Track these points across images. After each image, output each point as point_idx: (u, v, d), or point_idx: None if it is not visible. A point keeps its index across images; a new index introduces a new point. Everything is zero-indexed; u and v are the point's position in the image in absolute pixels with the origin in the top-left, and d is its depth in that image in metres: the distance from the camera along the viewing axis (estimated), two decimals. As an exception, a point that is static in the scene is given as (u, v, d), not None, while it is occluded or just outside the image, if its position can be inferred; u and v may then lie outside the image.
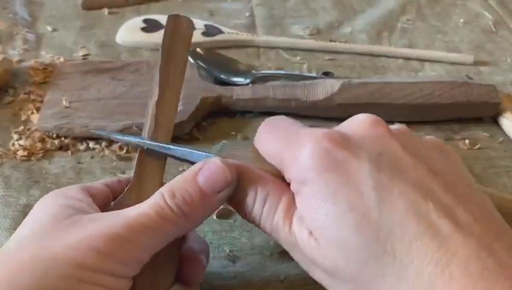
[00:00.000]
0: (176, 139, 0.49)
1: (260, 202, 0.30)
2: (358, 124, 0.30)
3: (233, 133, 0.51)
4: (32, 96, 0.53)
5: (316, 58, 0.61)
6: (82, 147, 0.48)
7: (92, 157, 0.48)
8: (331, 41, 0.63)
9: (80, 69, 0.55)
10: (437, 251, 0.24)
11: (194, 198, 0.29)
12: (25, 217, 0.41)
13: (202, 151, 0.33)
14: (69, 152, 0.48)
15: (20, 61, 0.58)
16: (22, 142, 0.48)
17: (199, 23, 0.63)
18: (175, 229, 0.29)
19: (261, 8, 0.69)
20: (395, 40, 0.65)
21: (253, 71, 0.57)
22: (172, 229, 0.29)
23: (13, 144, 0.48)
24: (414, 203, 0.26)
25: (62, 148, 0.48)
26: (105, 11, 0.66)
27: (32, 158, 0.47)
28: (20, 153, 0.47)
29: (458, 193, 0.27)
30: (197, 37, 0.61)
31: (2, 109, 0.52)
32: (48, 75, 0.55)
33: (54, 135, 0.48)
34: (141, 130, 0.47)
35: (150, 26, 0.62)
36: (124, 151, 0.48)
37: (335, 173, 0.27)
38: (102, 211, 0.30)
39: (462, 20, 0.68)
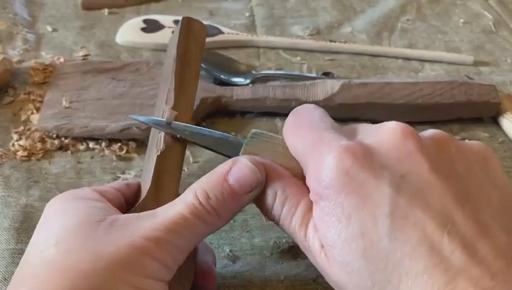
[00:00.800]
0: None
1: (280, 203, 0.30)
2: (386, 134, 0.28)
3: (233, 133, 0.51)
4: (32, 97, 0.53)
5: (316, 58, 0.61)
6: (82, 147, 0.48)
7: (92, 157, 0.48)
8: (331, 41, 0.63)
9: (80, 69, 0.55)
10: (444, 286, 0.23)
11: (226, 198, 0.29)
12: (24, 217, 0.41)
13: (231, 139, 0.34)
14: (69, 152, 0.48)
15: (20, 61, 0.58)
16: (22, 142, 0.48)
17: (199, 23, 0.63)
18: (208, 228, 0.30)
19: (261, 8, 0.69)
20: (395, 40, 0.65)
21: (253, 71, 0.57)
22: (206, 228, 0.30)
23: (13, 144, 0.48)
24: (428, 235, 0.24)
25: (62, 148, 0.48)
26: (105, 11, 0.66)
27: (32, 158, 0.47)
28: (20, 153, 0.47)
29: (484, 221, 0.25)
30: (197, 37, 0.61)
31: (2, 109, 0.52)
32: (48, 75, 0.55)
33: (54, 135, 0.48)
34: (141, 130, 0.47)
35: (150, 26, 0.62)
36: (124, 151, 0.48)
37: (352, 195, 0.26)
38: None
39: (462, 20, 0.68)
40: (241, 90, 0.52)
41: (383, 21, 0.68)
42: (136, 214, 0.29)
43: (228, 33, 0.63)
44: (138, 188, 0.35)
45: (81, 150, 0.48)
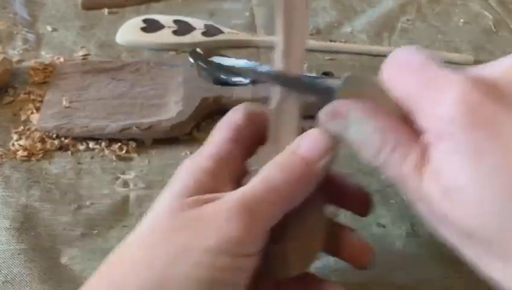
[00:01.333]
0: (175, 140, 0.49)
1: (390, 147, 0.27)
2: (510, 63, 0.26)
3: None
4: (32, 96, 0.53)
5: (316, 58, 0.61)
6: (82, 147, 0.48)
7: (92, 157, 0.48)
8: (331, 41, 0.63)
9: (80, 69, 0.55)
10: None
11: (297, 168, 0.29)
12: (25, 217, 0.41)
13: (326, 84, 0.32)
14: (69, 152, 0.48)
15: (20, 61, 0.57)
16: (22, 142, 0.48)
17: (199, 23, 0.63)
18: (283, 201, 0.29)
19: (261, 8, 0.69)
20: (395, 40, 0.65)
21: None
22: (280, 200, 0.29)
23: (13, 144, 0.48)
24: None
25: (62, 148, 0.48)
26: (105, 11, 0.66)
27: (32, 158, 0.47)
28: (20, 153, 0.47)
29: None
30: (197, 37, 0.61)
31: (2, 109, 0.52)
32: (48, 75, 0.55)
33: (54, 135, 0.48)
34: (141, 130, 0.47)
35: (150, 26, 0.62)
36: (124, 151, 0.48)
37: (482, 131, 0.24)
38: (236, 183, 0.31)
39: (462, 20, 0.68)
40: (241, 90, 0.52)
41: (383, 21, 0.68)
42: (228, 193, 0.29)
43: (228, 33, 0.63)
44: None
45: (81, 150, 0.48)
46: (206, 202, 0.29)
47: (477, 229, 0.24)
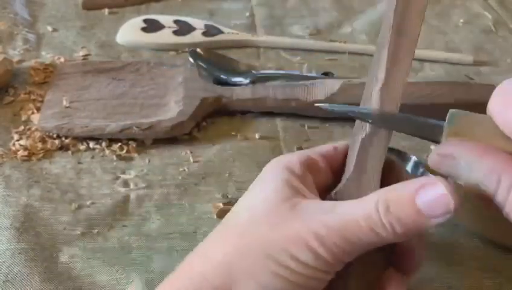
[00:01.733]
0: (175, 140, 0.49)
1: (505, 190, 0.27)
2: None
3: (233, 133, 0.51)
4: (32, 96, 0.53)
5: (316, 58, 0.61)
6: (82, 147, 0.48)
7: (92, 157, 0.48)
8: (331, 41, 0.63)
9: (80, 69, 0.55)
10: None
11: (408, 219, 0.27)
12: (25, 217, 0.41)
13: (432, 122, 0.31)
14: (70, 152, 0.48)
15: (21, 61, 0.58)
16: (22, 142, 0.48)
17: (199, 23, 0.63)
18: (380, 240, 0.28)
19: (261, 8, 0.69)
20: (395, 40, 0.65)
21: (253, 71, 0.57)
22: (378, 241, 0.28)
23: (14, 144, 0.48)
24: None
25: (62, 148, 0.48)
26: (106, 11, 0.67)
27: (33, 158, 0.47)
28: (21, 153, 0.47)
29: None
30: (197, 37, 0.62)
31: (2, 109, 0.52)
32: (48, 75, 0.55)
33: (55, 135, 0.48)
34: (141, 130, 0.48)
35: (150, 26, 0.62)
36: (124, 151, 0.48)
37: None
38: (320, 193, 0.32)
39: (462, 20, 0.68)
40: (241, 90, 0.52)
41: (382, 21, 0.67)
42: (318, 202, 0.30)
43: (228, 33, 0.63)
44: (345, 152, 0.34)
45: (82, 150, 0.48)
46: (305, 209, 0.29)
47: None
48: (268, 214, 0.29)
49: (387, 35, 0.33)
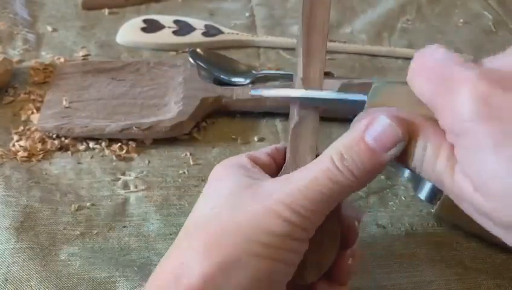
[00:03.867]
0: (175, 140, 0.49)
1: (420, 150, 0.28)
2: None
3: (234, 136, 0.51)
4: (32, 97, 0.53)
5: (316, 58, 0.61)
6: (82, 147, 0.48)
7: (92, 157, 0.48)
8: (331, 41, 0.63)
9: (80, 69, 0.55)
10: None
11: (363, 158, 0.28)
12: (25, 218, 0.41)
13: (353, 98, 0.33)
14: (69, 152, 0.48)
15: (21, 61, 0.58)
16: (22, 143, 0.48)
17: (199, 24, 0.63)
18: (345, 190, 0.29)
19: (261, 8, 0.69)
20: (395, 40, 0.65)
21: (253, 71, 0.57)
22: (343, 191, 0.29)
23: (13, 145, 0.48)
24: None
25: (62, 148, 0.48)
26: (106, 11, 0.66)
27: (33, 159, 0.47)
28: (21, 153, 0.47)
29: None
30: (197, 37, 0.61)
31: (2, 109, 0.52)
32: (48, 75, 0.55)
33: (54, 135, 0.48)
34: (141, 130, 0.47)
35: (150, 26, 0.62)
36: (124, 151, 0.48)
37: (496, 122, 0.24)
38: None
39: (462, 20, 0.68)
40: (241, 90, 0.52)
41: (383, 21, 0.68)
42: (275, 178, 0.31)
43: (228, 33, 0.63)
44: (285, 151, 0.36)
45: (81, 150, 0.48)
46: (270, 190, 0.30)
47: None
48: (233, 205, 0.30)
49: (300, 32, 0.36)
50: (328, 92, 0.34)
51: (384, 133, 0.28)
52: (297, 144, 0.34)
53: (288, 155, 0.34)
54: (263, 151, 0.35)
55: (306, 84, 0.34)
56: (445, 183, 0.27)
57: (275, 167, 0.35)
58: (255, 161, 0.34)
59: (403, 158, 0.29)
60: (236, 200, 0.30)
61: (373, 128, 0.29)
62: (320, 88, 0.35)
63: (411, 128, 0.28)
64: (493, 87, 0.24)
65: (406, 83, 0.29)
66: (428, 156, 0.28)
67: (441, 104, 0.27)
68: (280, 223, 0.28)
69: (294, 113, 0.35)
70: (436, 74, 0.27)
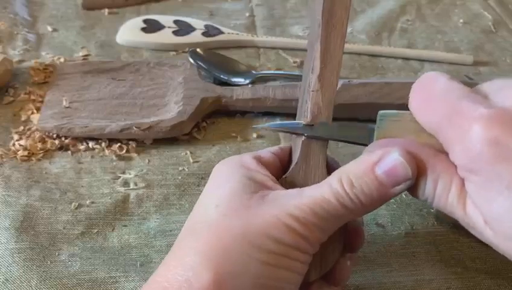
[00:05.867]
0: (175, 140, 0.49)
1: (432, 183, 0.29)
2: None
3: (233, 134, 0.51)
4: (32, 97, 0.53)
5: (316, 58, 0.61)
6: (82, 147, 0.48)
7: (92, 157, 0.48)
8: (330, 41, 0.63)
9: (80, 69, 0.55)
10: None
11: (372, 189, 0.29)
12: (24, 217, 0.41)
13: (361, 126, 0.33)
14: (69, 152, 0.48)
15: (21, 61, 0.58)
16: (22, 142, 0.48)
17: (199, 24, 0.63)
18: (351, 215, 0.30)
19: (261, 8, 0.69)
20: (394, 40, 0.65)
21: (253, 71, 0.57)
22: (349, 215, 0.30)
23: (13, 144, 0.48)
24: None
25: (62, 148, 0.48)
26: (106, 11, 0.67)
27: (33, 158, 0.47)
28: (21, 153, 0.47)
29: None
30: (197, 37, 0.62)
31: (2, 109, 0.52)
32: (48, 75, 0.55)
33: (54, 135, 0.48)
34: (141, 130, 0.47)
35: (150, 26, 0.62)
36: (124, 151, 0.48)
37: (508, 163, 0.25)
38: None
39: (461, 20, 0.68)
40: (241, 90, 0.52)
41: (382, 21, 0.68)
42: (285, 191, 0.31)
43: (228, 33, 0.63)
44: (290, 150, 0.37)
45: (81, 150, 0.48)
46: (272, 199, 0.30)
47: None
48: (239, 208, 0.30)
49: (318, 30, 0.35)
50: (332, 131, 0.34)
51: (394, 169, 0.29)
52: (307, 153, 0.34)
53: (296, 161, 0.34)
54: (267, 150, 0.36)
55: (313, 119, 0.34)
56: (458, 215, 0.28)
57: (280, 166, 0.35)
58: (259, 160, 0.34)
59: (415, 191, 0.30)
60: (243, 203, 0.30)
61: (384, 163, 0.29)
62: (329, 118, 0.35)
63: (422, 162, 0.29)
64: (505, 129, 0.25)
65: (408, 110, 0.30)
66: (439, 190, 0.28)
67: (450, 139, 0.27)
68: (290, 234, 0.29)
69: (298, 142, 0.35)
70: (443, 107, 0.28)
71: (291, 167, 0.35)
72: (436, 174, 0.29)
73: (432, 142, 0.29)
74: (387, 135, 0.32)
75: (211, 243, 0.29)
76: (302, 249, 0.29)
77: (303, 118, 0.35)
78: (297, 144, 0.35)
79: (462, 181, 0.28)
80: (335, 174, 0.30)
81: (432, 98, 0.29)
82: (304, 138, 0.34)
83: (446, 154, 0.28)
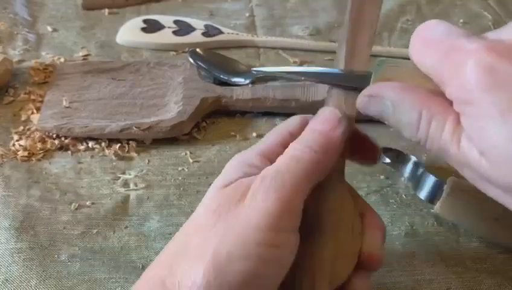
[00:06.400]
0: (175, 140, 0.49)
1: (426, 123, 0.29)
2: None
3: (233, 133, 0.51)
4: (32, 97, 0.53)
5: (316, 58, 0.61)
6: (82, 147, 0.48)
7: (92, 157, 0.48)
8: (331, 41, 0.63)
9: (80, 69, 0.55)
10: None
11: (316, 136, 0.31)
12: (24, 217, 0.42)
13: (359, 73, 0.34)
14: (69, 152, 0.48)
15: (21, 61, 0.58)
16: (22, 142, 0.48)
17: (199, 24, 0.63)
18: (313, 166, 0.31)
19: (261, 8, 0.69)
20: (394, 40, 0.65)
21: (253, 71, 0.57)
22: (312, 173, 0.31)
23: (13, 144, 0.48)
24: None
25: (62, 148, 0.48)
26: (106, 11, 0.67)
27: (33, 158, 0.47)
28: (21, 153, 0.47)
29: None
30: (197, 37, 0.62)
31: (2, 109, 0.52)
32: (48, 75, 0.55)
33: (54, 135, 0.48)
34: (141, 130, 0.48)
35: (150, 26, 0.62)
36: (124, 151, 0.48)
37: (502, 90, 0.25)
38: None
39: (461, 20, 0.68)
40: (241, 90, 0.52)
41: (382, 21, 0.68)
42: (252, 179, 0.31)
43: (228, 33, 0.63)
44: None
45: (81, 150, 0.48)
46: (246, 184, 0.30)
47: None
48: (228, 208, 0.30)
49: (347, 27, 0.35)
50: (336, 70, 0.35)
51: (326, 116, 0.32)
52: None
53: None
54: (274, 141, 0.35)
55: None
56: (451, 151, 0.28)
57: None
58: (266, 156, 0.33)
59: (410, 131, 0.30)
60: (234, 202, 0.30)
61: (319, 116, 0.33)
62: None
63: (414, 101, 0.29)
64: (500, 57, 0.25)
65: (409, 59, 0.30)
66: (433, 129, 0.28)
67: (447, 75, 0.27)
68: (264, 214, 0.28)
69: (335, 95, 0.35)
70: (441, 46, 0.28)
71: None
72: (430, 115, 0.29)
73: (429, 86, 0.29)
74: (386, 77, 0.32)
75: (194, 240, 0.29)
76: (282, 225, 0.29)
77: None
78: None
79: (457, 119, 0.28)
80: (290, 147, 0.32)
81: (431, 40, 0.29)
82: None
83: (442, 95, 0.28)
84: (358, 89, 0.33)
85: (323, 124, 0.32)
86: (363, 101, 0.32)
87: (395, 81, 0.31)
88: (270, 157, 0.33)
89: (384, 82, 0.31)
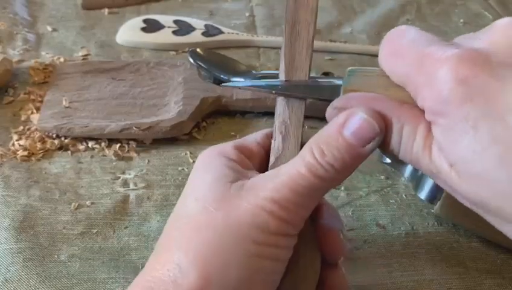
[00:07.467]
0: (175, 140, 0.49)
1: (397, 133, 0.28)
2: (500, 32, 0.26)
3: (233, 133, 0.51)
4: (32, 96, 0.53)
5: (316, 58, 0.61)
6: (82, 147, 0.48)
7: (92, 157, 0.48)
8: (331, 41, 0.63)
9: (80, 69, 0.55)
10: None
11: (342, 153, 0.29)
12: (24, 217, 0.41)
13: (327, 84, 0.33)
14: (69, 152, 0.48)
15: (20, 61, 0.58)
16: (22, 142, 0.48)
17: (199, 24, 0.63)
18: (329, 184, 0.30)
19: (261, 8, 0.69)
20: (395, 40, 0.65)
21: (253, 71, 0.57)
22: (327, 185, 0.29)
23: (13, 144, 0.48)
24: None
25: (62, 148, 0.48)
26: (105, 11, 0.67)
27: (32, 158, 0.47)
28: (20, 153, 0.47)
29: None
30: (197, 37, 0.62)
31: (2, 109, 0.52)
32: (47, 75, 0.55)
33: (54, 135, 0.48)
34: (141, 130, 0.47)
35: (150, 26, 0.62)
36: (124, 151, 0.48)
37: (475, 104, 0.24)
38: (260, 172, 0.32)
39: (462, 20, 0.68)
40: (241, 90, 0.52)
41: (383, 21, 0.68)
42: (261, 175, 0.31)
43: (228, 33, 0.63)
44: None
45: (81, 150, 0.48)
46: (250, 187, 0.30)
47: (486, 199, 0.25)
48: (218, 199, 0.29)
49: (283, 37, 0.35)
50: (304, 80, 0.34)
51: (361, 128, 0.28)
52: (286, 130, 0.33)
53: (275, 143, 0.33)
54: (252, 138, 0.35)
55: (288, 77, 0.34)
56: (423, 162, 0.27)
57: (264, 155, 0.34)
58: (241, 150, 0.33)
59: (383, 146, 0.29)
60: (222, 195, 0.29)
61: (350, 124, 0.29)
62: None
63: (386, 115, 0.29)
64: (472, 67, 0.24)
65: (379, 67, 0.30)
66: (405, 138, 0.28)
67: (419, 84, 0.27)
68: (269, 219, 0.28)
69: (281, 104, 0.34)
70: (411, 54, 0.27)
71: (271, 155, 0.34)
72: (400, 124, 0.28)
73: (400, 96, 0.29)
74: (355, 88, 0.31)
75: (194, 238, 0.28)
76: (285, 231, 0.29)
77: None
78: (275, 125, 0.34)
79: (428, 128, 0.27)
80: (306, 146, 0.30)
81: (400, 48, 0.28)
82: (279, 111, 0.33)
83: (413, 104, 0.28)
84: (304, 99, 0.33)
85: (356, 137, 0.29)
86: (331, 113, 0.30)
87: (365, 91, 0.30)
88: (245, 153, 0.33)
89: (353, 93, 0.30)
